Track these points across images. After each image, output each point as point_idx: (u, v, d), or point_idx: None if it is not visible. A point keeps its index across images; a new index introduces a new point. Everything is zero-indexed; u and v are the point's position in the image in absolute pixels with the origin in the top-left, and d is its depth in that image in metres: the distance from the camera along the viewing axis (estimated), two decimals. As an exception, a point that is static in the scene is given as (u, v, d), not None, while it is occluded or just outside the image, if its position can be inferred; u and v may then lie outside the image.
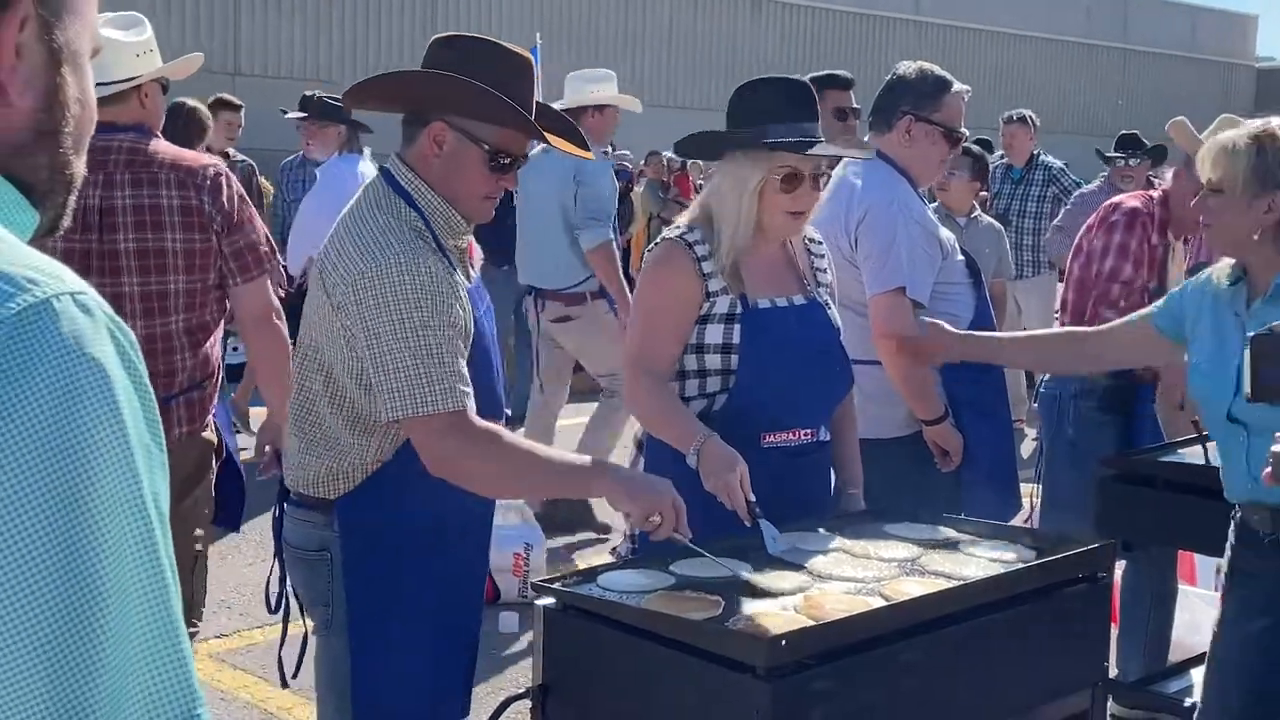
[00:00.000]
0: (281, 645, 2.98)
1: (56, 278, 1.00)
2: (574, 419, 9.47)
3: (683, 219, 3.14)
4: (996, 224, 7.64)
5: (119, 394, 0.99)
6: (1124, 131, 9.06)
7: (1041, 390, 4.71)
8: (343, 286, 2.57)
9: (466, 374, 2.55)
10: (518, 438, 2.62)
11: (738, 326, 3.00)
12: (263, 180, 9.48)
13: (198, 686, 1.03)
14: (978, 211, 7.45)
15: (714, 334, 3.01)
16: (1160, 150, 8.65)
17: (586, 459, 2.73)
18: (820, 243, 3.32)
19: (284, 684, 3.04)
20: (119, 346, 1.02)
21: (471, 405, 2.53)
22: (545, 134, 2.73)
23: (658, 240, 3.18)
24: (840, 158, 3.91)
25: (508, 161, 2.69)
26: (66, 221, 1.23)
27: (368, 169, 7.24)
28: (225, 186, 3.67)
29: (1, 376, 0.94)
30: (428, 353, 2.50)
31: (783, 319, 3.07)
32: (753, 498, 2.74)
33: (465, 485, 2.59)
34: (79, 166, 1.20)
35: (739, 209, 3.00)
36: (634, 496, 2.55)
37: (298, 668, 2.97)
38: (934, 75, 4.02)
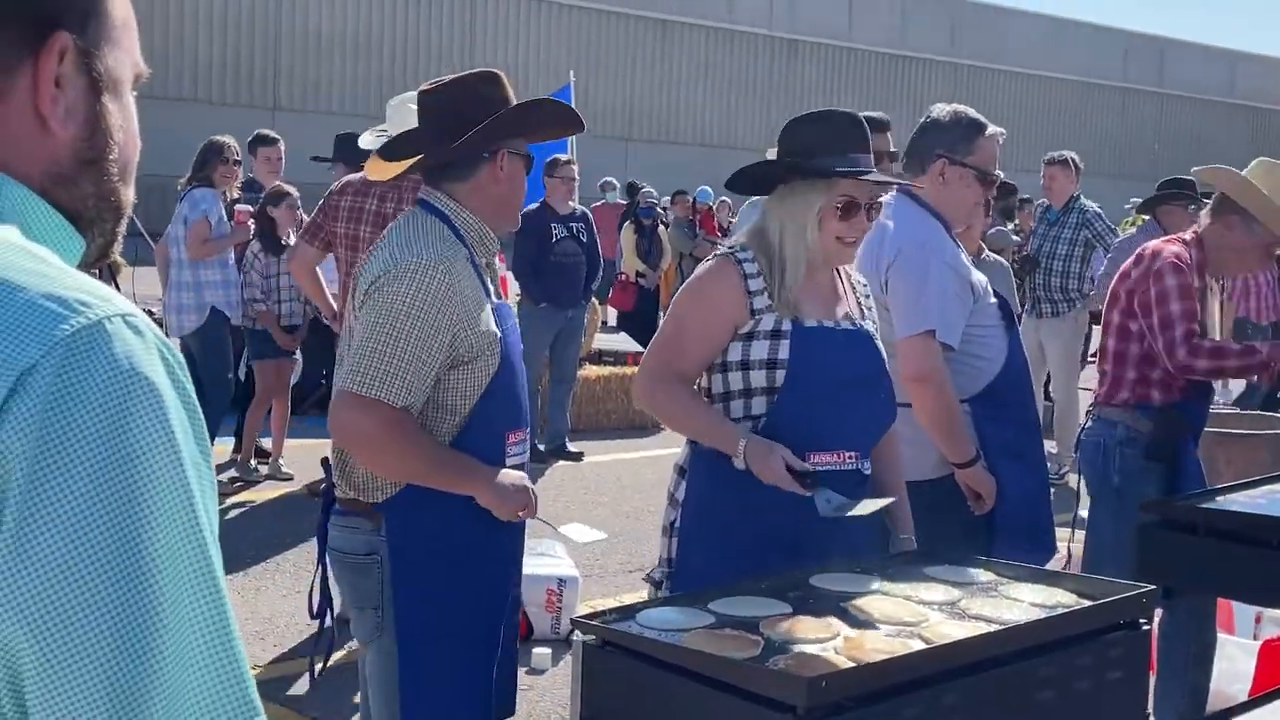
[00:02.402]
0: (316, 642, 3.21)
1: (107, 300, 1.03)
2: (607, 455, 9.50)
3: (738, 238, 3.20)
4: (1004, 262, 7.65)
5: (170, 412, 1.01)
6: (1180, 175, 9.02)
7: (1084, 438, 4.64)
8: (366, 282, 2.88)
9: (412, 378, 2.80)
10: (423, 432, 2.87)
11: (785, 342, 3.05)
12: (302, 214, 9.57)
13: (256, 699, 1.04)
14: (986, 251, 7.45)
15: (759, 350, 3.06)
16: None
17: (475, 464, 2.90)
18: (865, 283, 3.38)
19: (311, 680, 3.20)
20: (169, 366, 1.04)
21: (393, 398, 2.80)
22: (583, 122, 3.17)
23: (710, 256, 3.24)
24: (892, 187, 3.93)
25: (527, 167, 3.12)
26: (118, 248, 1.25)
27: None
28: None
29: (57, 396, 0.97)
30: (380, 344, 2.80)
31: (831, 338, 3.11)
32: (800, 466, 2.90)
33: (356, 456, 2.91)
34: (127, 194, 1.22)
35: (800, 237, 3.06)
36: (503, 496, 2.88)
37: (321, 670, 3.18)
38: (968, 118, 4.02)
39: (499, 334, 2.92)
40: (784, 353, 3.05)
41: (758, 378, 3.06)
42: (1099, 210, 9.38)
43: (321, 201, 6.23)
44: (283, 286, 8.07)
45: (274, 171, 8.77)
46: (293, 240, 8.14)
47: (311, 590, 3.14)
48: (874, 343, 3.21)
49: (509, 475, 2.94)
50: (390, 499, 2.92)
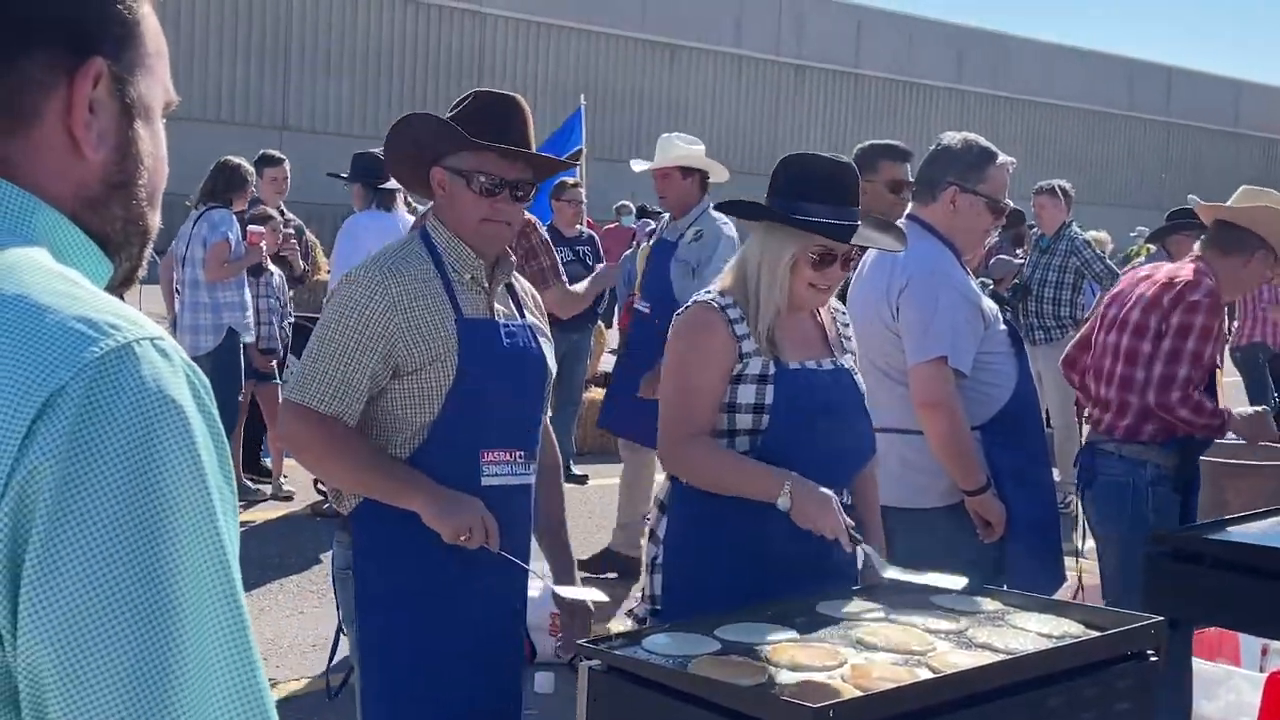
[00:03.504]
0: (330, 660, 3.20)
1: (136, 324, 1.04)
2: (612, 479, 9.48)
3: (716, 284, 3.18)
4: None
5: (196, 434, 1.03)
6: (1189, 205, 9.07)
7: (1103, 478, 4.54)
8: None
9: (339, 385, 2.85)
10: (360, 441, 2.89)
11: (770, 387, 3.04)
12: (309, 235, 9.61)
13: (275, 717, 1.05)
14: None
15: (746, 394, 3.05)
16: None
17: (412, 474, 2.87)
18: (844, 311, 3.37)
19: (328, 697, 3.24)
20: (195, 390, 1.05)
21: (320, 405, 2.85)
22: (496, 148, 2.94)
23: (686, 305, 3.21)
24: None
25: (490, 186, 2.95)
26: (142, 273, 1.27)
27: (392, 221, 7.59)
28: (527, 237, 6.09)
29: (85, 418, 0.98)
30: (316, 355, 2.89)
31: (814, 381, 3.11)
32: (851, 523, 2.91)
33: (299, 462, 3.07)
34: (154, 219, 1.24)
35: (774, 279, 3.06)
36: (444, 515, 2.80)
37: (339, 690, 3.16)
38: (979, 146, 4.03)
39: (456, 345, 2.88)
40: (769, 398, 3.04)
41: (744, 420, 3.05)
42: (1088, 239, 9.52)
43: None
44: (261, 309, 8.08)
45: (280, 192, 8.77)
46: (270, 263, 8.17)
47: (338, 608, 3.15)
48: (853, 379, 3.21)
49: (459, 497, 2.84)
50: (355, 510, 2.93)
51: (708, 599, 2.94)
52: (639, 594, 3.32)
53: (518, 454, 3.00)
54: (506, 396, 2.96)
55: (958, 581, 2.90)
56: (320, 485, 7.58)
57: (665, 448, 3.10)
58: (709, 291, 3.16)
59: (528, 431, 3.05)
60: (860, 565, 3.03)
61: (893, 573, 2.90)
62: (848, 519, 2.90)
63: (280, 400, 2.97)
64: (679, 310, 3.24)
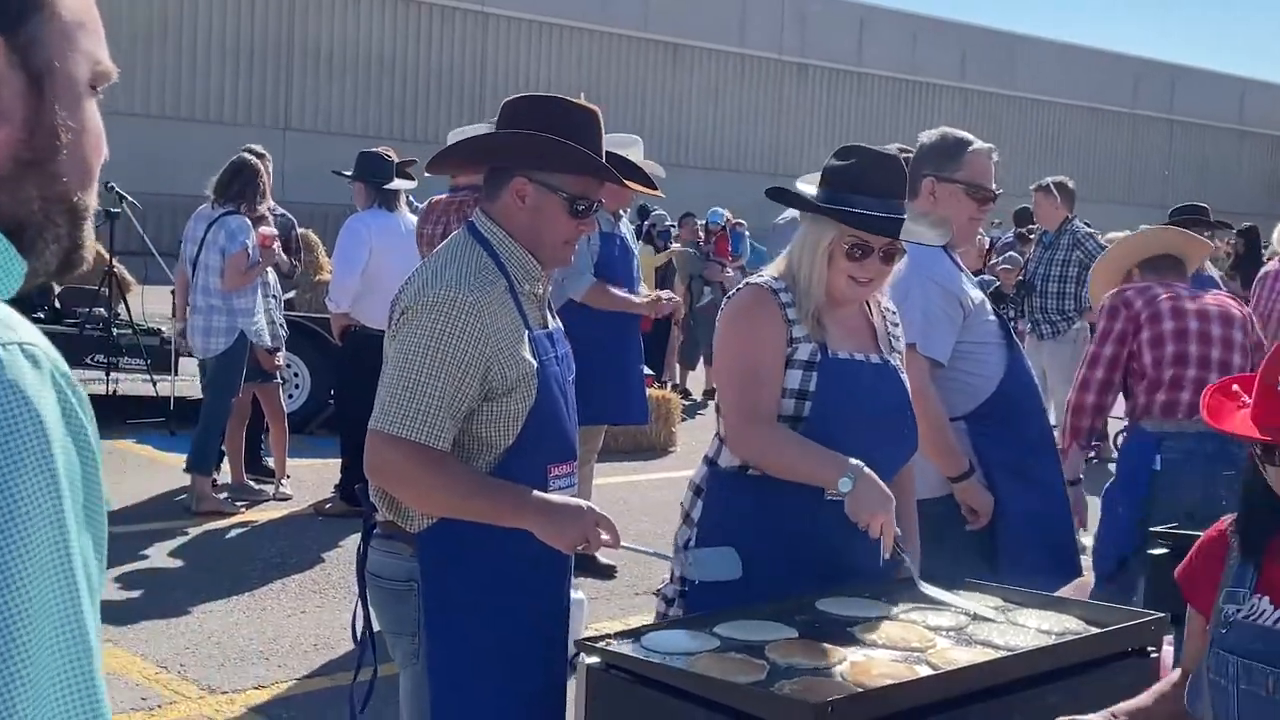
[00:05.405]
0: (355, 678, 3.03)
1: (10, 328, 1.01)
2: (616, 477, 9.49)
3: (769, 270, 3.19)
4: None
5: (54, 444, 0.99)
6: (1194, 202, 9.13)
7: (1167, 456, 4.68)
8: (398, 311, 2.80)
9: (440, 414, 2.71)
10: (460, 467, 2.77)
11: (815, 374, 3.03)
12: (305, 233, 9.56)
13: None
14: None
15: (792, 379, 3.04)
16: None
17: (521, 492, 2.75)
18: (895, 311, 3.36)
19: (351, 715, 3.06)
20: (63, 400, 1.02)
21: (420, 436, 2.70)
22: (620, 177, 2.90)
23: (739, 286, 3.21)
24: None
25: (584, 207, 2.87)
26: (88, 256, 1.21)
27: (394, 220, 7.64)
28: None
29: None
30: (410, 381, 2.71)
31: (859, 372, 3.10)
32: (899, 532, 2.91)
33: (396, 496, 2.81)
34: (85, 198, 1.18)
35: (812, 266, 3.07)
36: (559, 533, 2.71)
37: (364, 705, 3.03)
38: (954, 136, 4.09)
39: (536, 365, 2.80)
40: (814, 385, 3.03)
41: (786, 405, 3.04)
42: (1091, 231, 9.70)
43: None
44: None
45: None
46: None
47: (355, 617, 3.04)
48: (899, 376, 3.20)
49: (568, 510, 2.75)
50: (427, 528, 2.81)
51: (736, 586, 2.92)
52: (666, 576, 3.29)
53: (572, 464, 2.96)
54: (563, 408, 2.92)
55: (994, 611, 2.88)
56: (344, 489, 7.58)
57: (732, 429, 3.08)
58: (762, 275, 3.17)
59: (575, 439, 3.00)
60: (898, 576, 3.01)
61: (929, 590, 2.89)
62: (898, 530, 2.89)
63: (368, 431, 2.78)
64: (730, 293, 3.26)
